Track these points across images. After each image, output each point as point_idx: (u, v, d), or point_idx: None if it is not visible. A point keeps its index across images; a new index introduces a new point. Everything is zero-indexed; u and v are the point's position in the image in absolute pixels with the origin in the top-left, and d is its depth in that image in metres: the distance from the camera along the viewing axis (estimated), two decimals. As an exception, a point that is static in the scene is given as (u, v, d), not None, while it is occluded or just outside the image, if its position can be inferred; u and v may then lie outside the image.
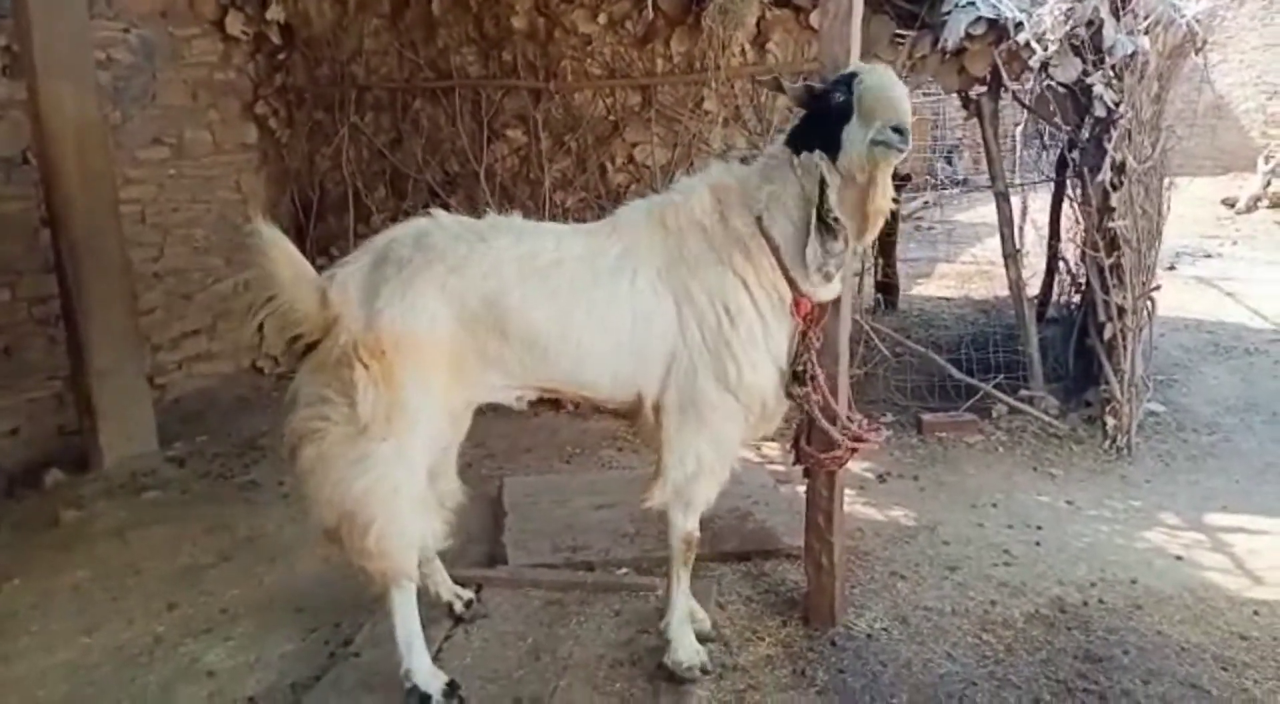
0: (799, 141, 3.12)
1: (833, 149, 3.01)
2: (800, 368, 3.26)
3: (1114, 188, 5.30)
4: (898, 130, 2.85)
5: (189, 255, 7.07)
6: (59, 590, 4.23)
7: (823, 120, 3.04)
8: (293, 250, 3.08)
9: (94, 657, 3.72)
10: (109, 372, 5.61)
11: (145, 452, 5.80)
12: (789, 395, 3.30)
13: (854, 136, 2.94)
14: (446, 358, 3.12)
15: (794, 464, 3.67)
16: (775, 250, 3.12)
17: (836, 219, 3.03)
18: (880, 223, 3.14)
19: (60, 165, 5.35)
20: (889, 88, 2.91)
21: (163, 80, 6.78)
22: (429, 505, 3.20)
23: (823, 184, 3.02)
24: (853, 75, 2.99)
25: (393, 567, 3.12)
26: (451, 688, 3.23)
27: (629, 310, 3.16)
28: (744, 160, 3.48)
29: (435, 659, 3.41)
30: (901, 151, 2.89)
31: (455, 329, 3.10)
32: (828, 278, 3.15)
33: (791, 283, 3.15)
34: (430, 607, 3.76)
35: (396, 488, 3.06)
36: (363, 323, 3.02)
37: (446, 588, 3.77)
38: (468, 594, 3.83)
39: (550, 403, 5.89)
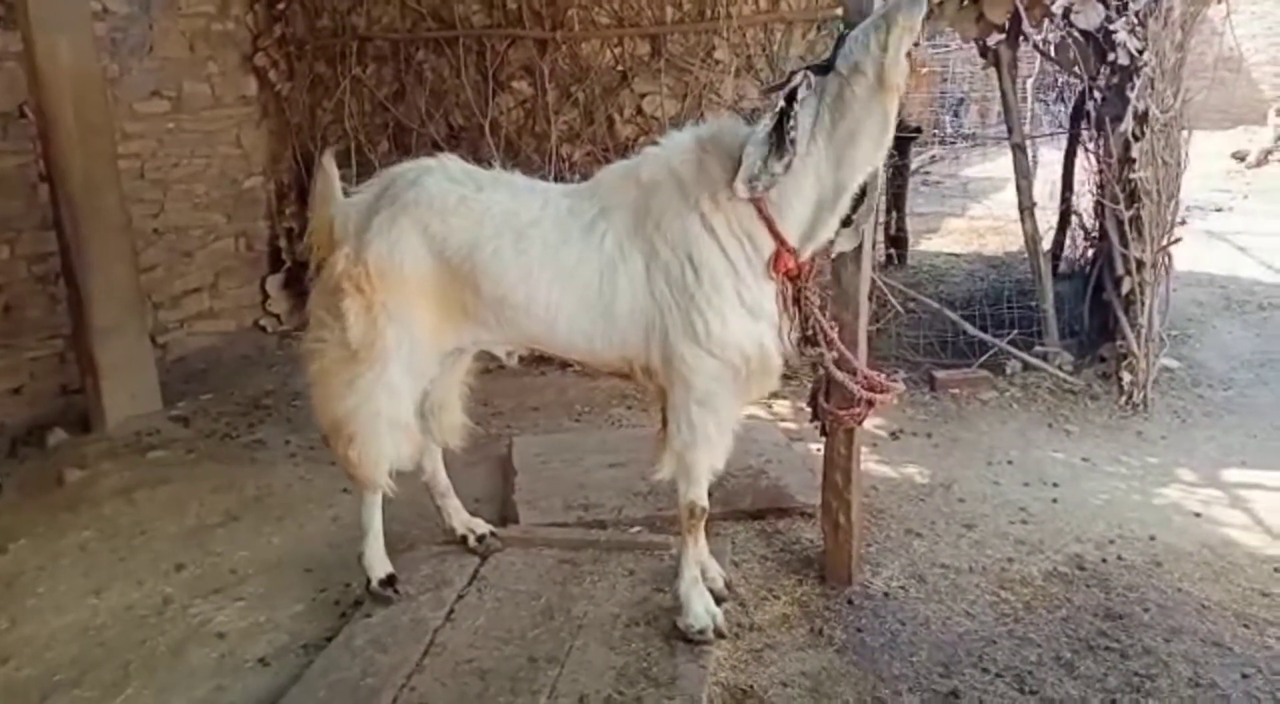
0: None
1: (834, 58, 2.89)
2: (810, 332, 3.19)
3: (1136, 138, 5.18)
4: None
5: (190, 211, 6.97)
6: (66, 551, 4.18)
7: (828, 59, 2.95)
8: (333, 176, 3.42)
9: (103, 618, 3.68)
10: (111, 330, 5.53)
11: (149, 411, 5.73)
12: (802, 355, 3.25)
13: (861, 28, 2.83)
14: (430, 298, 3.25)
15: (812, 421, 3.60)
16: (758, 200, 2.98)
17: (793, 140, 2.86)
18: (897, 99, 2.91)
19: (58, 119, 5.23)
20: None
21: (160, 31, 6.63)
22: (406, 431, 3.42)
23: (791, 98, 2.86)
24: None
25: (366, 476, 3.47)
26: (391, 579, 3.59)
27: (596, 271, 3.13)
28: None
29: (448, 620, 3.43)
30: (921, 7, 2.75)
31: (437, 273, 3.22)
32: (753, 190, 2.92)
33: (776, 235, 3.03)
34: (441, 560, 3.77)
35: (378, 411, 3.31)
36: (354, 252, 3.23)
37: (460, 521, 3.91)
38: (483, 528, 3.92)
39: (558, 362, 5.81)
